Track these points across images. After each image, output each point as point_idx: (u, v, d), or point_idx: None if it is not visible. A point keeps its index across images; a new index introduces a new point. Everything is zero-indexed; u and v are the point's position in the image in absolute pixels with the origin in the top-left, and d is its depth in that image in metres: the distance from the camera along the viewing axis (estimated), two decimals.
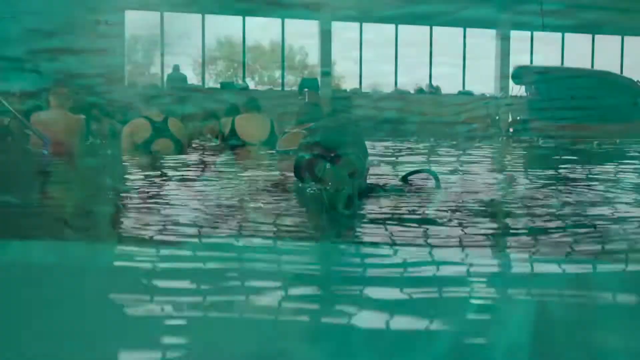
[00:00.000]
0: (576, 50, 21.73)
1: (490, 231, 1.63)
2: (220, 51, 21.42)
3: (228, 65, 21.67)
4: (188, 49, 19.53)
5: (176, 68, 18.26)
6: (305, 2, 18.72)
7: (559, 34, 21.48)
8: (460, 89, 20.99)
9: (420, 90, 20.53)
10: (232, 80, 19.68)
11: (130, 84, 18.11)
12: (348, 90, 20.12)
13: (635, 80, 19.34)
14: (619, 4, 20.62)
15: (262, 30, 19.91)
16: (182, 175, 2.55)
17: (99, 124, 9.41)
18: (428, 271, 1.19)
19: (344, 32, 19.70)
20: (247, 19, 19.15)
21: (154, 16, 18.41)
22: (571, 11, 20.31)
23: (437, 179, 2.15)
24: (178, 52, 19.20)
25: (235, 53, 20.82)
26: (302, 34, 20.08)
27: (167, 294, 1.04)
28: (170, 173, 2.83)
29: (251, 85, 19.58)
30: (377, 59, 20.35)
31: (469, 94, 20.78)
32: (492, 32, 20.73)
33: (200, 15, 18.69)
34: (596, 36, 21.76)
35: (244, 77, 19.94)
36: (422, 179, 2.26)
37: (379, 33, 20.04)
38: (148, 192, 2.14)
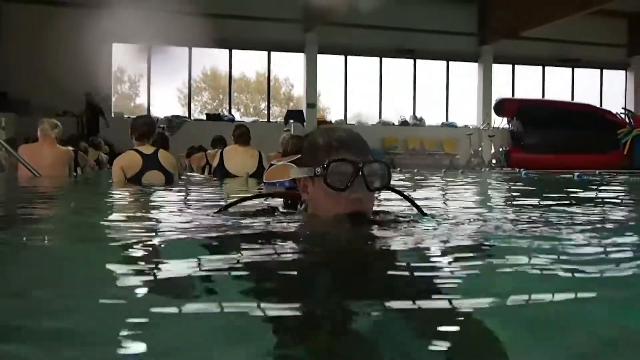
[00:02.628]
0: (557, 83, 22.19)
1: None
2: (206, 82, 21.59)
3: (213, 97, 21.81)
4: (174, 81, 19.69)
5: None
6: (291, 38, 19.04)
7: (540, 67, 21.97)
8: (444, 120, 21.28)
9: (404, 122, 20.78)
10: (218, 112, 19.82)
11: (117, 116, 18.16)
12: (333, 121, 20.32)
13: (615, 113, 19.78)
14: (598, 39, 21.21)
15: (248, 62, 20.13)
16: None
17: (87, 155, 9.45)
18: None
19: (330, 64, 19.97)
20: (233, 51, 19.38)
21: (141, 49, 18.56)
22: (551, 45, 20.83)
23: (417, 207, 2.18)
24: (164, 84, 19.33)
25: (220, 84, 21.01)
26: (288, 66, 20.32)
27: None
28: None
29: (237, 116, 19.70)
30: (361, 91, 20.61)
31: (453, 125, 21.08)
32: (474, 65, 21.12)
33: (186, 48, 18.88)
34: (576, 69, 22.26)
35: (230, 108, 20.08)
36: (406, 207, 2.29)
37: (363, 66, 20.34)
38: None
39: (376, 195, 1.99)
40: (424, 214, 2.14)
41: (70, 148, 7.41)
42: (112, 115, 18.06)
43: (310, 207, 1.90)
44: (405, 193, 2.24)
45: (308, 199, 1.89)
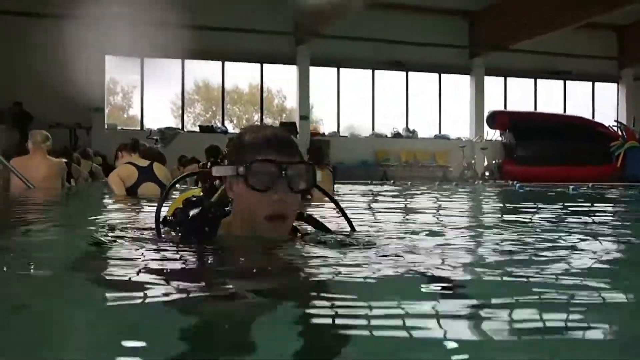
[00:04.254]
0: (549, 95, 22.33)
1: None
2: (199, 94, 21.58)
3: (206, 108, 21.80)
4: (167, 93, 19.68)
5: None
6: (283, 50, 19.10)
7: (532, 80, 22.11)
8: (437, 132, 21.34)
9: (397, 134, 20.82)
10: (211, 124, 19.79)
11: (110, 127, 18.11)
12: (326, 133, 20.33)
13: (607, 125, 19.89)
14: (589, 52, 21.39)
15: (241, 74, 20.14)
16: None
17: (79, 167, 9.38)
18: None
19: (322, 76, 20.02)
20: (226, 63, 19.40)
21: (134, 61, 18.55)
22: (543, 57, 20.98)
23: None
24: (157, 95, 19.31)
25: (213, 96, 21.01)
26: (281, 78, 20.35)
27: None
28: None
29: (230, 128, 19.68)
30: (354, 103, 20.65)
31: (445, 137, 21.14)
32: (466, 78, 21.23)
33: (179, 61, 18.88)
34: (567, 82, 22.42)
35: (222, 120, 20.07)
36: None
37: (356, 78, 20.40)
38: None
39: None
40: (353, 229, 2.13)
41: (63, 160, 7.35)
42: (106, 126, 18.01)
43: (235, 206, 1.84)
44: (340, 204, 2.22)
45: (233, 198, 1.83)
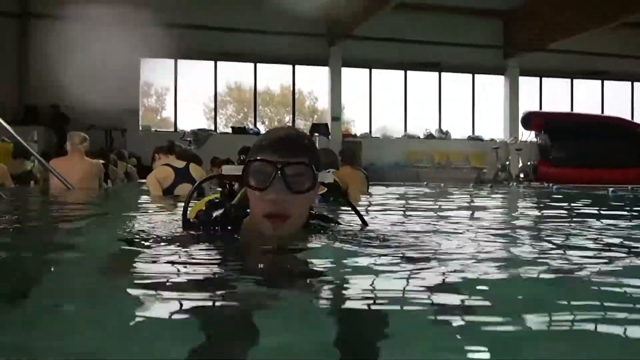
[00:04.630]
0: (586, 96, 21.93)
1: None
2: (230, 96, 21.74)
3: (238, 110, 21.95)
4: (199, 94, 19.88)
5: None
6: (315, 52, 19.14)
7: (568, 80, 21.74)
8: (470, 133, 21.13)
9: (429, 135, 20.68)
10: (244, 125, 19.92)
11: (145, 129, 18.36)
12: (358, 134, 20.29)
13: None
14: (627, 51, 20.93)
15: (273, 75, 20.24)
16: None
17: (116, 168, 9.53)
18: None
19: (354, 77, 20.00)
20: (258, 65, 19.52)
21: (168, 63, 18.79)
22: (579, 57, 20.62)
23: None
24: (190, 97, 19.52)
25: (244, 98, 21.15)
26: (312, 80, 20.39)
27: None
28: None
29: (262, 129, 19.78)
30: (386, 104, 20.58)
31: (479, 138, 20.92)
32: (500, 78, 21.00)
33: (212, 63, 19.07)
34: (605, 82, 21.98)
35: (255, 121, 20.18)
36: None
37: (388, 78, 20.33)
38: None
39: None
40: (365, 224, 2.16)
41: (100, 161, 7.47)
42: (140, 128, 18.26)
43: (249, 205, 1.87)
44: (351, 202, 2.24)
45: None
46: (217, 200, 2.00)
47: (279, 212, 1.75)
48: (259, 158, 1.75)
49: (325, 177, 1.89)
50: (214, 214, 1.91)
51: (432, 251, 1.82)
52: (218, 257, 1.74)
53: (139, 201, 5.20)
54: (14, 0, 17.18)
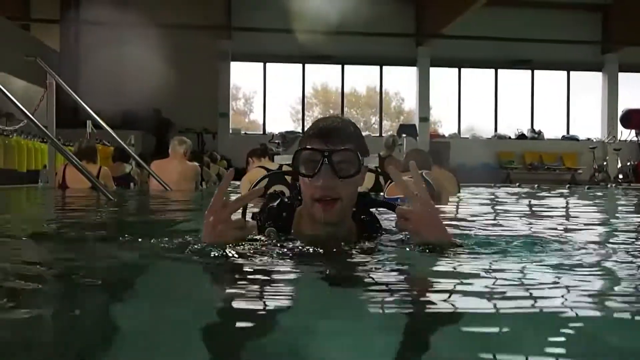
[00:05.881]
0: None
1: None
2: (317, 98, 21.93)
3: (324, 112, 22.11)
4: (286, 97, 20.21)
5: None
6: (403, 52, 19.01)
7: None
8: (564, 133, 20.32)
9: (521, 135, 20.05)
10: None
11: (235, 132, 18.85)
12: (446, 135, 19.96)
13: None
14: None
15: (358, 76, 20.27)
16: None
17: (209, 170, 9.84)
18: None
19: (442, 77, 19.71)
20: (345, 66, 19.61)
21: (257, 66, 19.22)
22: None
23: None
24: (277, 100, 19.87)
25: (330, 99, 21.28)
26: (398, 80, 20.26)
27: None
28: None
29: None
30: (475, 104, 20.15)
31: (574, 138, 20.08)
32: (597, 75, 20.06)
33: (300, 65, 19.35)
34: None
35: None
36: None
37: (477, 77, 19.89)
38: None
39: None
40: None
41: (196, 164, 7.74)
42: (230, 131, 18.76)
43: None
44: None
45: None
46: (275, 192, 2.13)
47: (327, 196, 1.86)
48: (307, 147, 1.87)
49: (371, 161, 2.00)
50: (271, 204, 2.05)
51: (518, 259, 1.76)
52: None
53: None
54: (111, 9, 18.07)
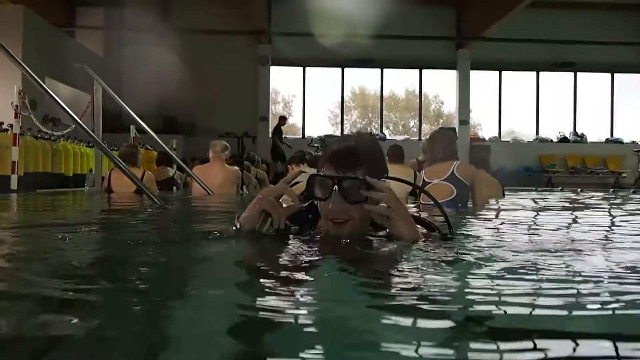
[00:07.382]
0: None
1: None
2: (355, 101, 21.94)
3: (362, 115, 22.10)
4: (324, 101, 20.28)
5: None
6: (443, 55, 18.90)
7: None
8: (608, 136, 19.88)
9: (563, 138, 19.69)
10: (369, 131, 20.04)
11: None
12: (487, 138, 19.74)
13: None
14: None
15: (397, 80, 20.20)
16: None
17: (249, 174, 9.96)
18: None
19: (482, 80, 19.52)
20: (384, 70, 19.58)
21: (296, 70, 19.34)
22: None
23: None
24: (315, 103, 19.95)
25: (368, 103, 21.27)
26: (438, 83, 20.14)
27: None
28: None
29: (386, 134, 19.79)
30: (516, 107, 19.88)
31: (618, 141, 19.63)
32: None
33: (339, 69, 19.40)
34: None
35: (381, 127, 20.24)
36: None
37: (518, 80, 19.63)
38: None
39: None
40: (450, 228, 2.26)
41: (237, 168, 7.84)
42: (270, 135, 18.91)
43: None
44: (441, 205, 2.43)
45: None
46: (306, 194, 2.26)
47: (339, 218, 1.99)
48: (319, 174, 2.01)
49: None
50: (302, 206, 2.16)
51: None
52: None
53: None
54: (153, 16, 18.40)
